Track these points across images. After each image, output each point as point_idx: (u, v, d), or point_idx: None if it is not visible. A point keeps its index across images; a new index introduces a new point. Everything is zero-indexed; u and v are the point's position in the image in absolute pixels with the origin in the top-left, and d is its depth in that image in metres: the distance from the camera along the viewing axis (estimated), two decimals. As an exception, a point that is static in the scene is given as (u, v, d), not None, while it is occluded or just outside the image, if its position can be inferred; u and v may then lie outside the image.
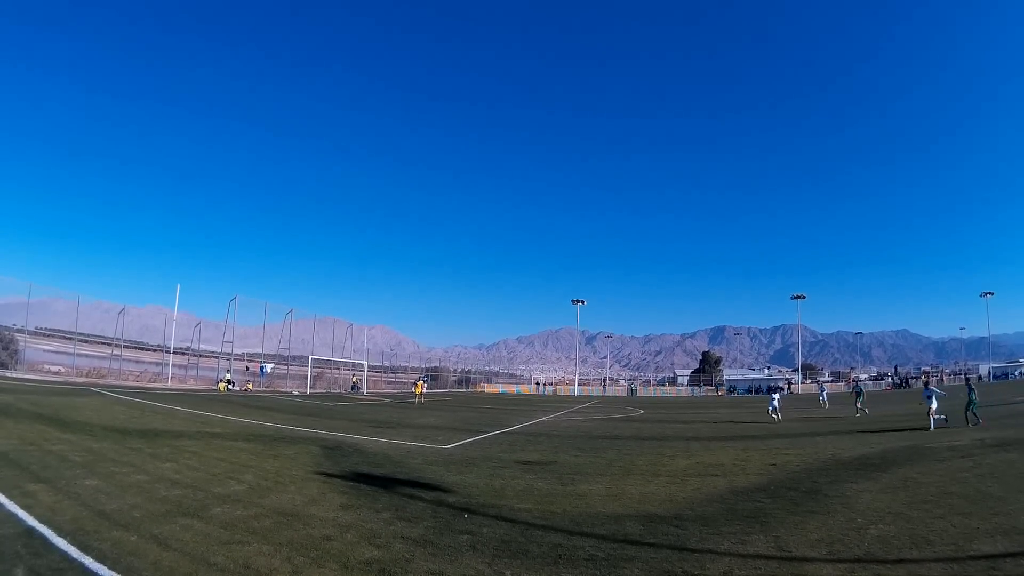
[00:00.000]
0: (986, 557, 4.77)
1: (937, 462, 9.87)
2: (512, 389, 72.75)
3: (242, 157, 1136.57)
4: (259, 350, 46.95)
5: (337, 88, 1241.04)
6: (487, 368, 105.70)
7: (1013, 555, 4.83)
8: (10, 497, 5.85)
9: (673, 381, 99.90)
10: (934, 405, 16.01)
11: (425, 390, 33.48)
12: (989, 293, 79.52)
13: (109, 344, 38.14)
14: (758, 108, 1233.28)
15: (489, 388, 69.93)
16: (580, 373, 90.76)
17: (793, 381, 70.97)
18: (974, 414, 16.32)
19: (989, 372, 74.14)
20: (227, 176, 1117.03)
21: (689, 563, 4.70)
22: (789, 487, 7.87)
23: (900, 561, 4.74)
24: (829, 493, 7.41)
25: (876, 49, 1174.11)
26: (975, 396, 16.54)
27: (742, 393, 66.50)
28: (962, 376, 61.77)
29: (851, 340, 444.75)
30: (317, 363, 44.84)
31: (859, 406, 22.65)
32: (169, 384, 34.78)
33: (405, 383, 59.68)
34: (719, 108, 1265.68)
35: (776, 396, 21.37)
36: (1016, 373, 71.65)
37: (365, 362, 50.64)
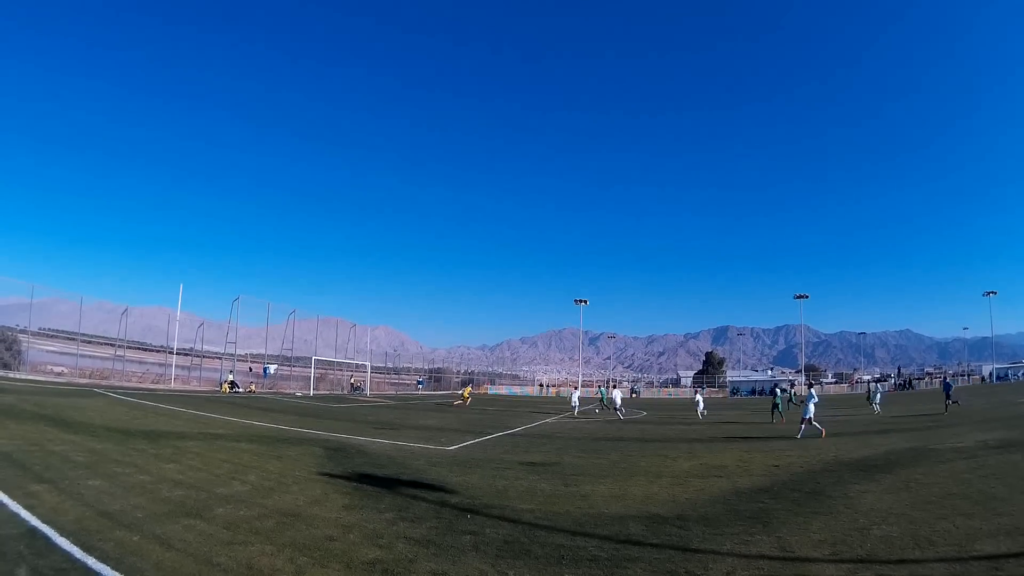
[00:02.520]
0: (989, 558, 4.76)
1: (940, 463, 9.84)
2: (503, 390, 71.84)
3: (244, 156, 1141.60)
4: (262, 351, 46.96)
5: (341, 87, 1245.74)
6: (490, 369, 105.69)
7: (1016, 555, 4.81)
8: (13, 497, 5.86)
9: (676, 383, 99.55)
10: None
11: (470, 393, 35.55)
12: (992, 292, 79.14)
13: (112, 345, 38.20)
14: (761, 106, 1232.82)
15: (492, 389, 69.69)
16: (583, 374, 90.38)
17: (796, 383, 70.75)
18: (779, 413, 20.55)
19: (992, 372, 73.70)
20: (230, 175, 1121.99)
21: (692, 563, 4.69)
22: (792, 488, 7.87)
23: (903, 561, 4.73)
24: (832, 494, 7.40)
25: (879, 47, 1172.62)
26: (780, 401, 21.19)
27: (745, 394, 66.33)
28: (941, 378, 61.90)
29: (854, 340, 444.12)
30: (320, 364, 44.82)
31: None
32: (172, 385, 34.83)
33: (408, 384, 60.31)
34: (723, 107, 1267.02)
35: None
36: (1019, 374, 71.20)
37: (368, 363, 50.63)
